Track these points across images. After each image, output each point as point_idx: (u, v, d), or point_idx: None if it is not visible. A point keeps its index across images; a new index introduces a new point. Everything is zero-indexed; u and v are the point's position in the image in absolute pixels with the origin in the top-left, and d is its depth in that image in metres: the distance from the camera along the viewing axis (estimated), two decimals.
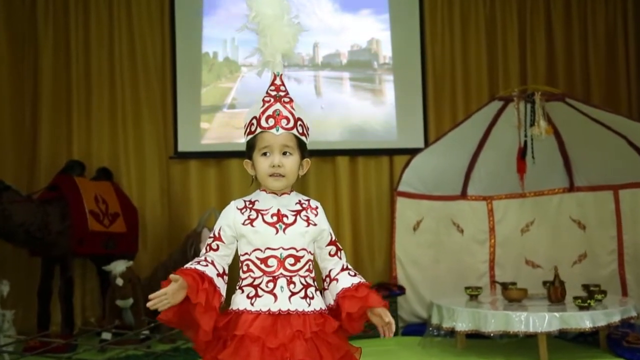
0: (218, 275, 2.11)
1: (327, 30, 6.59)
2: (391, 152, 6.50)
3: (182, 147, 6.25)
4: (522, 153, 5.31)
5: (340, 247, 2.24)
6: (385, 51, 6.64)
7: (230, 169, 6.20)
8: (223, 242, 2.15)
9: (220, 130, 6.36)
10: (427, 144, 6.29)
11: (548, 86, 6.01)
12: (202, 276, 2.06)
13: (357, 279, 2.16)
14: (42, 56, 6.09)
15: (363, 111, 6.56)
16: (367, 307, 2.11)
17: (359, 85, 6.64)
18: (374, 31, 6.65)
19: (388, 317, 2.09)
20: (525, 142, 5.28)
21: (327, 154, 6.38)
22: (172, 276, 2.01)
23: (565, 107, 5.47)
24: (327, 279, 2.20)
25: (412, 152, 5.97)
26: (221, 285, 2.11)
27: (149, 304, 1.99)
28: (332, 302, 2.17)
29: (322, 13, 6.59)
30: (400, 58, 6.59)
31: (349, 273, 2.19)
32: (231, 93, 6.39)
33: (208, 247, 2.16)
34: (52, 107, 6.08)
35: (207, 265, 2.10)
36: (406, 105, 6.54)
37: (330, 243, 2.21)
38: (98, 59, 6.17)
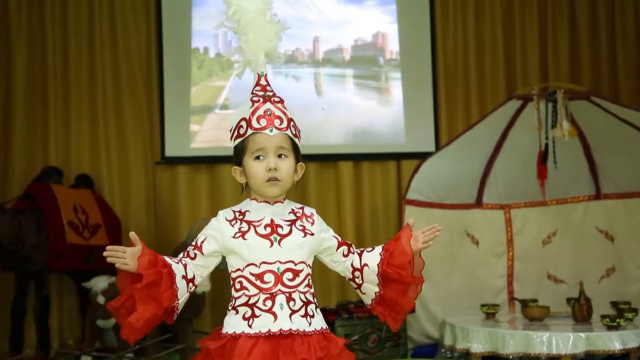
0: (183, 277, 2.09)
1: (328, 23, 6.58)
2: (399, 157, 6.48)
3: (169, 152, 6.23)
4: (542, 157, 5.30)
5: (350, 243, 2.26)
6: (392, 46, 6.63)
7: (222, 176, 6.18)
8: (202, 253, 2.14)
9: (211, 133, 6.34)
10: (438, 147, 6.27)
11: (571, 83, 6.01)
12: (166, 265, 2.05)
13: (378, 247, 2.21)
14: (14, 51, 6.06)
15: (368, 112, 6.55)
16: (409, 239, 2.17)
17: (364, 83, 6.63)
18: (379, 24, 6.64)
19: (421, 231, 2.21)
20: (547, 145, 5.27)
21: (328, 159, 6.36)
22: (132, 235, 2.03)
23: (590, 107, 5.46)
24: (357, 273, 2.21)
25: (422, 156, 5.95)
26: (182, 287, 2.08)
27: (105, 253, 2.00)
28: (376, 290, 2.18)
29: (323, 4, 6.59)
30: (409, 53, 6.58)
31: (367, 251, 2.22)
32: (223, 92, 6.38)
33: (185, 253, 2.16)
34: (26, 108, 6.06)
35: (177, 263, 2.10)
36: (415, 105, 6.53)
37: (340, 245, 2.23)
38: (77, 55, 6.15)
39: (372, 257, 2.19)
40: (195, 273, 2.13)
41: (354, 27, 6.62)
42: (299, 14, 6.47)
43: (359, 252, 2.24)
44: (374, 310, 2.24)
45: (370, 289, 2.21)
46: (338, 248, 2.22)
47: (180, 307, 2.09)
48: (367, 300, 2.24)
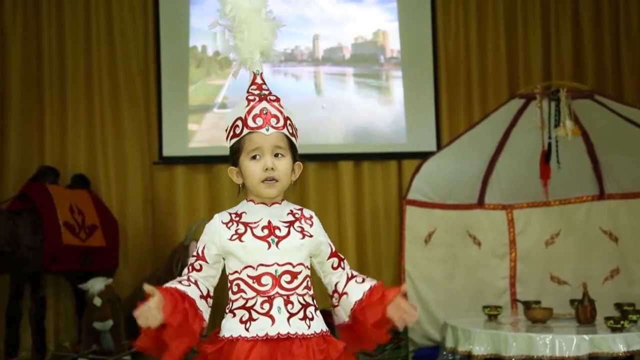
0: (201, 297, 2.08)
1: (328, 21, 6.58)
2: (400, 156, 6.47)
3: (167, 152, 6.23)
4: (545, 157, 5.29)
5: (342, 257, 2.23)
6: (393, 44, 6.62)
7: (221, 176, 6.17)
8: (207, 261, 2.12)
9: (210, 132, 6.33)
10: (439, 147, 6.26)
11: (575, 82, 6.00)
12: (183, 296, 2.03)
13: (367, 285, 2.16)
14: (9, 49, 6.06)
15: (368, 111, 6.54)
16: (390, 303, 2.09)
17: (364, 82, 6.63)
18: (380, 22, 6.63)
19: (404, 304, 2.08)
20: (550, 144, 5.26)
21: (328, 159, 6.35)
22: (147, 288, 1.99)
23: (594, 105, 5.45)
24: (336, 295, 2.19)
25: (423, 156, 5.94)
26: (204, 308, 2.08)
27: (140, 322, 1.96)
28: (345, 319, 2.16)
29: (323, 2, 6.58)
30: (410, 51, 6.57)
31: (356, 281, 2.18)
32: (222, 91, 6.37)
33: (190, 267, 2.13)
34: (22, 106, 6.05)
35: (189, 285, 2.08)
36: (416, 103, 6.52)
37: (332, 255, 2.20)
38: (73, 52, 6.14)
39: (355, 291, 2.15)
40: (207, 286, 2.12)
41: (354, 25, 6.61)
42: (299, 12, 6.46)
43: (350, 275, 2.20)
44: (339, 333, 2.22)
45: (341, 315, 2.19)
46: (329, 258, 2.19)
47: (206, 325, 2.09)
48: (337, 321, 2.23)
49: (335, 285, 2.19)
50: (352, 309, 2.14)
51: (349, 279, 2.19)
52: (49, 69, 6.10)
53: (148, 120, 6.27)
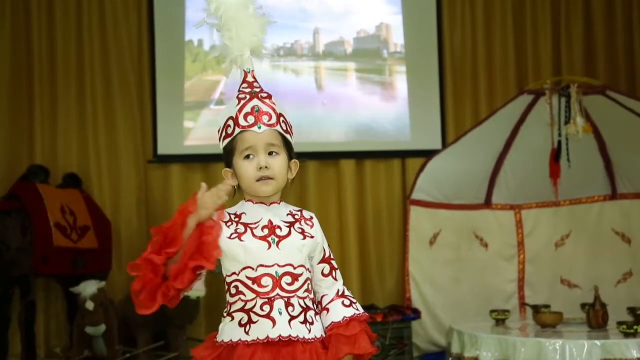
0: None
1: (329, 14, 6.57)
2: (404, 155, 6.47)
3: (162, 150, 6.22)
4: (556, 155, 5.30)
5: (336, 266, 2.22)
6: (397, 38, 6.62)
7: (218, 175, 6.06)
8: None
9: (206, 130, 6.31)
10: (445, 145, 6.27)
11: (586, 77, 6.00)
12: None
13: (351, 311, 2.15)
14: None
15: (371, 107, 6.54)
16: (353, 354, 2.10)
17: (367, 77, 6.62)
18: (383, 15, 6.63)
19: None
20: (560, 142, 5.27)
21: (330, 157, 6.34)
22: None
23: (606, 102, 5.46)
24: (319, 307, 2.18)
25: (428, 154, 5.96)
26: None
27: (207, 200, 2.03)
28: (324, 334, 2.14)
29: None
30: (414, 46, 6.57)
31: (343, 302, 2.17)
32: (219, 87, 6.36)
33: None
34: (10, 103, 6.03)
35: None
36: (421, 100, 6.52)
37: (324, 260, 2.19)
38: (64, 48, 6.13)
39: (336, 313, 2.15)
40: None
41: (356, 19, 6.61)
42: (299, 5, 6.46)
43: (340, 292, 2.19)
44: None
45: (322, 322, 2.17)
46: (320, 263, 2.18)
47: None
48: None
49: (322, 297, 2.19)
50: (326, 328, 2.14)
51: (337, 296, 2.18)
52: (39, 64, 6.08)
53: (142, 117, 6.26)
